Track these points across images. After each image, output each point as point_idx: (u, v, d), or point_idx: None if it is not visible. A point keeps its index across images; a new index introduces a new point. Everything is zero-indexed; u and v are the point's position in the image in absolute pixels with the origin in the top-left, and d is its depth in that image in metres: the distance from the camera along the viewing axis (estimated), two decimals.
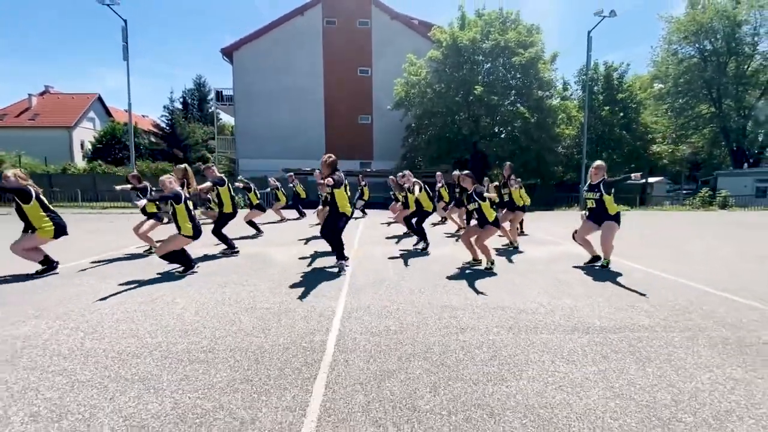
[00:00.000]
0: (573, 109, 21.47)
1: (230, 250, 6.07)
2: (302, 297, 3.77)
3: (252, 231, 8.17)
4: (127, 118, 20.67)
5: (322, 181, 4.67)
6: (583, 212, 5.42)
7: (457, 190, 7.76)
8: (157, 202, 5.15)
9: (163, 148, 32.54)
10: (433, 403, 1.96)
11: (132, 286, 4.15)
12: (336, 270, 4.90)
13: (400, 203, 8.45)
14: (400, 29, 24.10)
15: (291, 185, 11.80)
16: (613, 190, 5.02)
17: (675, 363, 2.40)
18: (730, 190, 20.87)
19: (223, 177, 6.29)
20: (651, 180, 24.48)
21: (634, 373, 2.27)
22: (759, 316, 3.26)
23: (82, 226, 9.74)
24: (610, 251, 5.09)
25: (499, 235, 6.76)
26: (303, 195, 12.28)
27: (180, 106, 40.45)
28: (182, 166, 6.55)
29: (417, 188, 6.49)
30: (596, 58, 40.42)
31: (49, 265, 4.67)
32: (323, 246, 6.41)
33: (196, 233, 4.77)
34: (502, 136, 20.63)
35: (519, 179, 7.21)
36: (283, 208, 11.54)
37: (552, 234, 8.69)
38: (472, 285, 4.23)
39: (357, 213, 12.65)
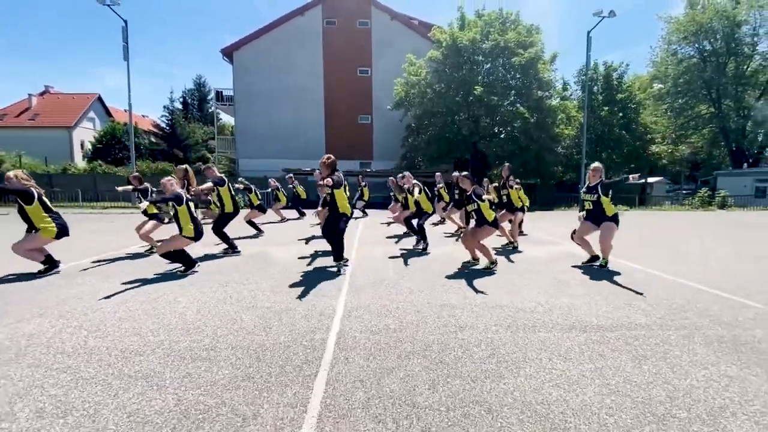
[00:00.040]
0: (572, 109, 21.52)
1: (231, 249, 6.11)
2: (303, 296, 3.80)
3: (253, 231, 8.20)
4: (127, 118, 20.70)
5: (321, 183, 4.70)
6: (581, 214, 5.44)
7: (456, 191, 7.79)
8: (159, 204, 5.18)
9: (163, 148, 32.57)
10: (432, 399, 1.99)
11: (134, 285, 4.18)
12: (336, 269, 4.93)
13: (399, 204, 8.49)
14: (399, 29, 24.13)
15: (291, 186, 11.86)
16: (610, 192, 5.05)
17: (671, 360, 2.44)
18: (730, 190, 20.92)
19: (224, 177, 6.32)
20: (650, 180, 24.53)
21: (630, 371, 2.30)
22: (754, 314, 3.30)
23: (83, 226, 9.78)
24: (609, 251, 5.13)
25: (498, 235, 6.79)
26: (303, 196, 12.34)
27: (180, 106, 40.51)
28: (183, 166, 6.58)
29: (416, 190, 6.53)
30: (596, 58, 40.45)
31: (51, 265, 4.70)
32: (323, 246, 6.44)
33: (198, 235, 4.81)
34: (502, 136, 20.69)
35: (518, 180, 7.25)
36: (283, 208, 11.60)
37: (551, 234, 8.73)
38: (471, 284, 4.26)
39: (357, 213, 12.68)
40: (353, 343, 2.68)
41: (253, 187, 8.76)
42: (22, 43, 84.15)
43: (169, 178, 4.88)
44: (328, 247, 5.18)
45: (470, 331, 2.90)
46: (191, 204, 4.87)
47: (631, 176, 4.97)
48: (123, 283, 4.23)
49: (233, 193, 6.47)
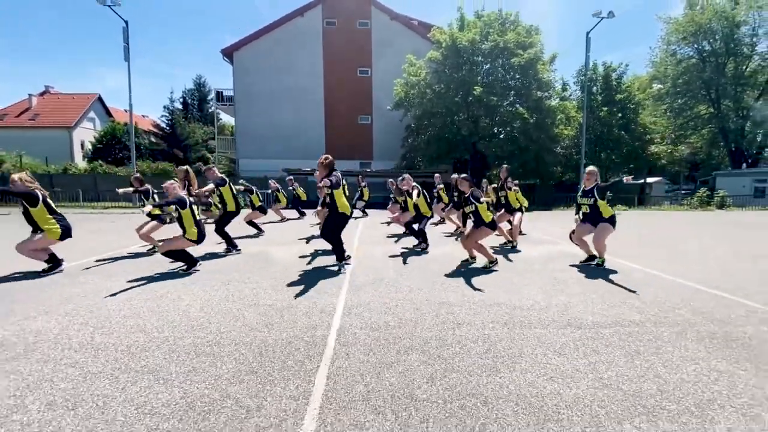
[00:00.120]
0: (572, 109, 21.59)
1: (232, 248, 6.17)
2: (304, 294, 3.87)
3: (253, 230, 8.27)
4: (128, 118, 20.75)
5: (320, 185, 4.76)
6: (577, 216, 5.49)
7: (455, 192, 7.86)
8: (162, 208, 5.24)
9: (164, 148, 32.63)
10: (430, 392, 2.06)
11: (137, 283, 4.24)
12: (336, 268, 5.00)
13: (398, 206, 8.56)
14: (399, 30, 24.21)
15: (291, 188, 11.98)
16: (607, 195, 5.12)
17: (662, 356, 2.50)
18: (729, 190, 20.99)
19: (224, 177, 6.38)
20: (649, 180, 24.62)
21: (623, 365, 2.37)
22: (746, 312, 3.37)
23: (84, 226, 9.84)
24: (603, 250, 5.20)
25: (497, 235, 6.86)
26: (303, 197, 12.44)
27: (180, 106, 40.56)
28: (183, 167, 6.66)
29: (415, 193, 6.60)
30: (595, 58, 40.53)
31: (55, 264, 4.76)
32: (324, 245, 6.51)
33: (200, 238, 4.88)
34: (501, 136, 20.76)
35: (516, 182, 7.31)
36: (283, 209, 11.70)
37: (550, 234, 8.79)
38: (469, 283, 4.33)
39: (357, 213, 12.75)
40: (353, 339, 2.75)
41: (254, 188, 8.83)
42: (22, 43, 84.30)
43: (172, 182, 4.96)
44: (329, 247, 5.25)
45: (468, 328, 2.96)
46: (195, 208, 4.94)
47: (624, 178, 5.04)
48: (126, 282, 4.30)
49: (234, 192, 6.53)
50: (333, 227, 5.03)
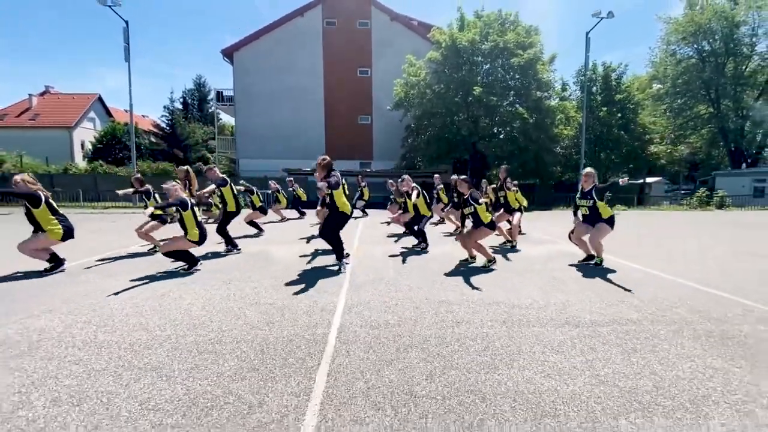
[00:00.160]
0: (571, 109, 21.63)
1: (233, 248, 6.20)
2: (304, 293, 3.90)
3: (254, 230, 8.30)
4: (128, 118, 20.77)
5: (320, 186, 4.80)
6: (575, 218, 5.51)
7: (455, 193, 7.90)
8: (164, 209, 5.27)
9: (164, 148, 32.65)
10: (429, 389, 2.09)
11: (139, 283, 4.27)
12: (336, 268, 5.03)
13: (398, 206, 8.59)
14: (399, 30, 24.24)
15: (291, 189, 12.06)
16: (605, 196, 5.15)
17: (659, 353, 2.54)
18: (728, 190, 21.02)
19: (225, 177, 6.42)
20: (649, 180, 24.65)
21: (620, 363, 2.40)
22: (743, 310, 3.40)
23: (85, 226, 9.86)
24: (600, 249, 5.23)
25: (496, 234, 6.89)
26: (303, 198, 12.49)
27: (180, 106, 40.57)
28: (184, 167, 6.70)
29: (414, 193, 6.64)
30: (595, 58, 40.58)
31: (56, 263, 4.79)
32: (324, 244, 6.53)
33: (202, 239, 4.92)
34: (501, 136, 20.78)
35: (515, 182, 7.34)
36: (283, 209, 11.77)
37: (549, 233, 8.82)
38: (468, 282, 4.36)
39: (357, 213, 12.79)
40: (354, 337, 2.78)
41: (254, 188, 8.86)
42: (22, 43, 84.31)
43: (174, 183, 4.99)
44: (329, 246, 5.28)
45: (466, 326, 2.99)
46: (196, 209, 4.98)
47: (620, 180, 5.07)
48: (128, 281, 4.33)
49: (235, 192, 6.56)
50: (333, 226, 5.06)
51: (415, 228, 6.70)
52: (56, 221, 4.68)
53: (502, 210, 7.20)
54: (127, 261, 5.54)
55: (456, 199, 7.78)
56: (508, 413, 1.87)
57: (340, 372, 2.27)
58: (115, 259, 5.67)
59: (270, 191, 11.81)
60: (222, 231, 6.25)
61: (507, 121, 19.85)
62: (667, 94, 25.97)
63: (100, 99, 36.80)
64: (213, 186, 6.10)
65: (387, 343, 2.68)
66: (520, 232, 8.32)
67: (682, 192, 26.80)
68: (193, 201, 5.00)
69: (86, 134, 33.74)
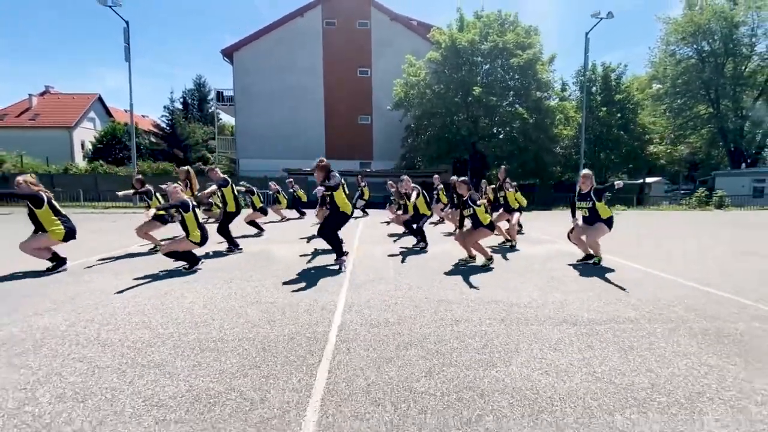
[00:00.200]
0: (571, 109, 21.67)
1: (234, 247, 6.23)
2: (305, 292, 3.93)
3: (255, 230, 8.34)
4: (128, 118, 20.80)
5: (319, 188, 4.86)
6: (573, 219, 5.52)
7: (454, 195, 7.93)
8: (166, 211, 5.29)
9: (164, 148, 32.68)
10: (428, 385, 2.12)
11: (141, 282, 4.31)
12: (337, 267, 5.06)
13: (397, 207, 8.61)
14: (399, 30, 24.28)
15: (291, 191, 12.13)
16: (605, 196, 5.18)
17: (655, 351, 2.57)
18: (728, 190, 21.06)
19: (227, 178, 6.45)
20: (648, 180, 24.69)
21: (616, 360, 2.43)
22: (739, 309, 3.43)
23: (86, 225, 9.89)
24: (598, 248, 5.27)
25: (496, 234, 6.92)
26: (304, 199, 12.55)
27: (180, 106, 40.60)
28: (185, 168, 6.73)
29: (414, 194, 6.69)
30: (595, 58, 40.69)
31: (58, 262, 4.83)
32: (324, 244, 6.56)
33: (203, 240, 4.95)
34: (501, 136, 20.82)
35: (514, 183, 7.38)
36: (283, 209, 11.85)
37: (548, 233, 8.86)
38: (467, 281, 4.39)
39: (357, 213, 12.83)
40: (354, 335, 2.81)
41: (255, 189, 8.90)
42: (22, 43, 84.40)
43: (175, 185, 5.03)
44: (329, 246, 5.31)
45: (465, 324, 3.03)
46: (198, 211, 5.01)
47: (616, 183, 5.11)
48: (130, 280, 4.36)
49: (236, 193, 6.60)
50: (333, 226, 5.10)
51: (414, 226, 6.73)
52: (58, 222, 4.72)
53: (501, 210, 7.23)
54: (129, 260, 5.57)
55: (455, 200, 7.83)
56: (505, 409, 1.91)
57: (341, 369, 2.31)
58: (117, 258, 5.70)
59: (270, 192, 11.89)
60: (223, 231, 6.28)
61: (507, 121, 19.90)
62: (667, 94, 26.02)
63: (100, 99, 36.82)
64: (214, 187, 6.14)
65: (387, 341, 2.71)
66: (519, 232, 8.36)
67: (682, 192, 26.85)
68: (194, 202, 5.04)
69: (86, 134, 33.76)
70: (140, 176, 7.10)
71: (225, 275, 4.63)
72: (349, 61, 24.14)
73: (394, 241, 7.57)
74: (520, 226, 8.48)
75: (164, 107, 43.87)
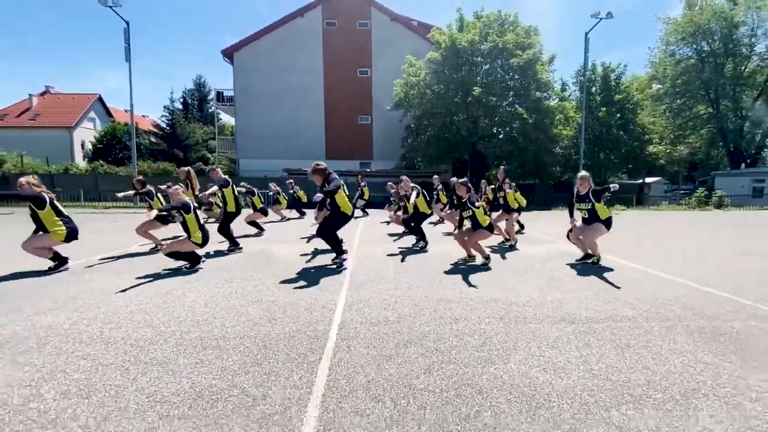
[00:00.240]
0: (571, 109, 21.69)
1: (235, 246, 6.26)
2: (305, 291, 3.96)
3: (255, 230, 8.36)
4: (128, 118, 20.82)
5: (320, 194, 4.91)
6: (572, 220, 5.54)
7: (454, 196, 7.97)
8: (168, 213, 5.32)
9: (164, 148, 32.71)
10: (427, 382, 2.15)
11: (142, 281, 4.34)
12: (337, 266, 5.09)
13: (396, 207, 8.67)
14: (399, 30, 24.31)
15: (291, 192, 12.17)
16: (603, 197, 5.21)
17: (652, 349, 2.60)
18: (728, 190, 21.09)
19: (227, 178, 6.48)
20: (648, 180, 24.73)
21: (613, 358, 2.46)
22: (736, 308, 3.46)
23: (87, 225, 9.91)
24: (595, 248, 5.30)
25: (495, 234, 6.95)
26: (304, 199, 12.59)
27: (180, 106, 40.62)
28: (185, 168, 6.76)
29: (414, 194, 6.73)
30: (594, 58, 40.68)
31: (60, 262, 4.85)
32: (324, 244, 6.58)
33: (205, 241, 4.99)
34: (501, 136, 20.85)
35: (513, 184, 7.41)
36: (284, 210, 11.91)
37: (548, 233, 8.88)
38: (466, 280, 4.42)
39: (358, 212, 12.86)
40: (354, 333, 2.84)
41: (255, 190, 8.93)
42: (22, 43, 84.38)
43: (177, 187, 5.06)
44: (329, 246, 5.34)
45: (464, 323, 3.06)
46: (199, 212, 5.04)
47: (611, 186, 5.15)
48: (132, 279, 4.39)
49: (236, 194, 6.62)
50: (332, 226, 5.13)
51: (412, 225, 6.77)
52: (61, 222, 4.75)
53: (501, 210, 7.26)
54: (130, 260, 5.60)
55: (455, 201, 7.87)
56: (503, 405, 1.94)
57: (341, 366, 2.34)
58: (118, 258, 5.73)
59: (270, 193, 11.95)
60: (224, 231, 6.31)
61: (506, 121, 19.92)
62: (667, 94, 26.05)
63: (100, 99, 36.85)
64: (215, 188, 6.17)
65: (387, 339, 2.74)
66: (519, 231, 8.40)
67: (681, 192, 26.88)
68: (195, 204, 5.07)
69: (86, 134, 33.79)
70: (141, 177, 7.12)
71: (226, 274, 4.66)
72: (350, 61, 24.17)
73: (394, 240, 7.60)
74: (521, 226, 8.53)
75: (164, 107, 43.94)
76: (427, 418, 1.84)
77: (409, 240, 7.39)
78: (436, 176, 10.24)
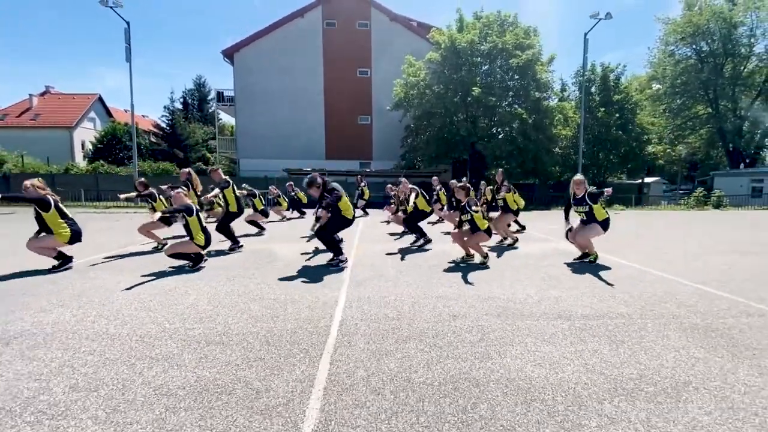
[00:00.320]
0: (570, 110, 21.75)
1: (236, 245, 6.32)
2: (306, 289, 4.03)
3: (255, 229, 8.42)
4: (128, 118, 20.88)
5: (322, 210, 4.97)
6: (568, 222, 5.59)
7: (453, 198, 8.04)
8: (170, 214, 5.39)
9: (164, 148, 32.76)
10: (426, 376, 2.21)
11: (146, 279, 4.40)
12: (336, 266, 5.14)
13: (397, 208, 8.71)
14: (399, 31, 24.36)
15: (292, 193, 12.26)
16: (599, 199, 5.28)
17: (645, 344, 2.66)
18: (727, 190, 21.16)
19: (228, 179, 6.52)
20: (647, 180, 24.80)
21: (607, 353, 2.53)
22: (729, 305, 3.53)
23: (88, 225, 9.93)
24: (592, 247, 5.37)
25: (495, 233, 7.01)
26: (304, 200, 12.66)
27: (180, 107, 40.71)
28: (186, 169, 6.81)
29: (413, 195, 6.80)
30: (594, 58, 40.74)
31: (64, 260, 4.91)
32: None
33: (207, 243, 5.06)
34: (500, 136, 20.89)
35: (510, 186, 7.47)
36: (284, 211, 12.01)
37: (546, 232, 8.95)
38: (465, 278, 4.49)
39: (358, 212, 12.92)
40: (355, 330, 2.90)
41: (256, 192, 9.00)
42: (22, 43, 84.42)
43: (179, 190, 5.12)
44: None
45: (463, 320, 3.12)
46: (201, 214, 5.11)
47: (605, 190, 5.21)
48: (136, 277, 4.45)
49: (237, 194, 6.67)
50: (333, 229, 5.18)
51: (412, 225, 6.84)
52: (65, 225, 4.81)
53: (500, 212, 7.34)
54: (133, 258, 5.66)
55: (454, 204, 7.94)
56: (499, 398, 2.00)
57: (342, 361, 2.40)
58: (121, 256, 5.79)
59: (270, 196, 12.06)
60: (223, 229, 6.36)
61: (506, 121, 19.97)
62: (666, 94, 26.15)
63: (100, 99, 36.91)
64: (217, 190, 6.22)
65: (386, 335, 2.81)
66: (520, 231, 8.46)
67: (680, 192, 26.97)
68: (197, 206, 5.14)
69: (87, 134, 33.84)
70: (143, 179, 7.16)
71: (228, 273, 4.72)
72: (349, 61, 24.23)
73: (394, 240, 7.66)
74: (522, 227, 8.60)
75: (164, 107, 44.04)
76: (426, 410, 1.90)
77: (409, 239, 7.45)
78: (435, 177, 10.32)
